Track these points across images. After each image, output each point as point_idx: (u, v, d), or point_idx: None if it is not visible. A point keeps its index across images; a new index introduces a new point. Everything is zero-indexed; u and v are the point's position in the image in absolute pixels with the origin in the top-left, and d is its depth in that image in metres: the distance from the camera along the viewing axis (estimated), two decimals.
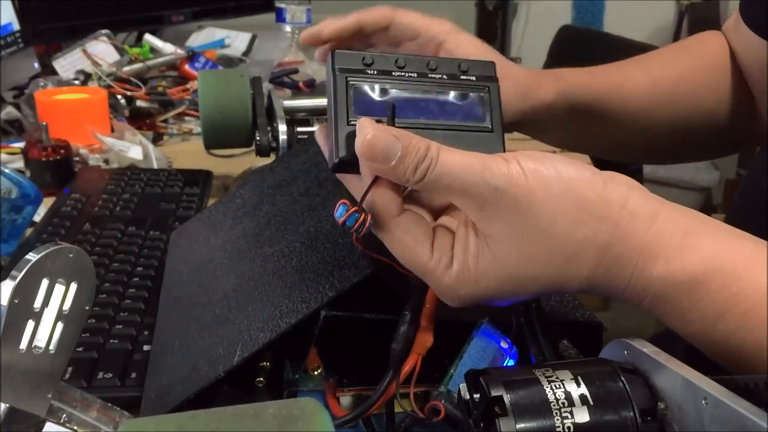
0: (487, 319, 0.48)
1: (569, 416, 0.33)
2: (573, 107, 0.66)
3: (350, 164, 0.41)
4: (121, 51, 1.32)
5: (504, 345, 0.47)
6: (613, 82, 0.69)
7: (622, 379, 0.34)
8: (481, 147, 0.41)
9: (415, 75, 0.44)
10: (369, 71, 0.43)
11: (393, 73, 0.44)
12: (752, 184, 0.74)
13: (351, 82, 0.43)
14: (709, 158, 0.81)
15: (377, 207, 0.40)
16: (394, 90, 0.43)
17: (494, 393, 0.34)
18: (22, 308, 0.38)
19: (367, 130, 0.39)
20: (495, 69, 0.45)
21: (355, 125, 0.41)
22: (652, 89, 0.70)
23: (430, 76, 0.44)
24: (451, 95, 0.44)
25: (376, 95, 0.43)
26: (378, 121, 0.40)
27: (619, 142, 0.72)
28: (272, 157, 0.84)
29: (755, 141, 0.77)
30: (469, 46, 0.61)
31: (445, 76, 0.44)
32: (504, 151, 0.43)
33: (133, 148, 1.02)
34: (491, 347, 0.47)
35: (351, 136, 0.41)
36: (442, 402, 0.45)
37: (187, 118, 1.24)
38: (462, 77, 0.45)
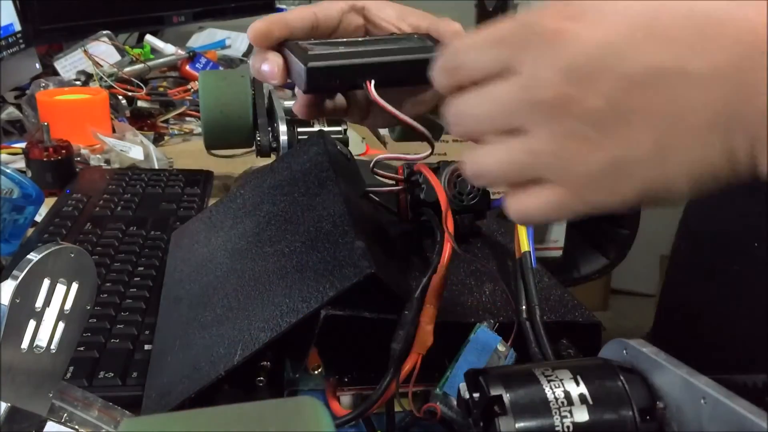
0: (484, 323, 0.49)
1: (568, 415, 0.33)
2: None
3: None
4: (122, 52, 1.32)
5: (501, 347, 0.47)
6: None
7: (621, 378, 0.35)
8: (428, 51, 0.48)
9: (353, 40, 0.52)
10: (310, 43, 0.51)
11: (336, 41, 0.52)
12: None
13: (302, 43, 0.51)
14: None
15: None
16: (337, 41, 0.51)
17: (494, 392, 0.34)
18: (24, 308, 0.38)
19: None
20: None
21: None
22: None
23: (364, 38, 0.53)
24: (386, 37, 0.52)
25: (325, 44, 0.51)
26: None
27: None
28: (273, 158, 0.84)
29: None
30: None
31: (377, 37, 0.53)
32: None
33: (134, 149, 1.02)
34: (487, 350, 0.47)
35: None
36: (438, 404, 0.45)
37: (187, 118, 1.24)
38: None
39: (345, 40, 0.53)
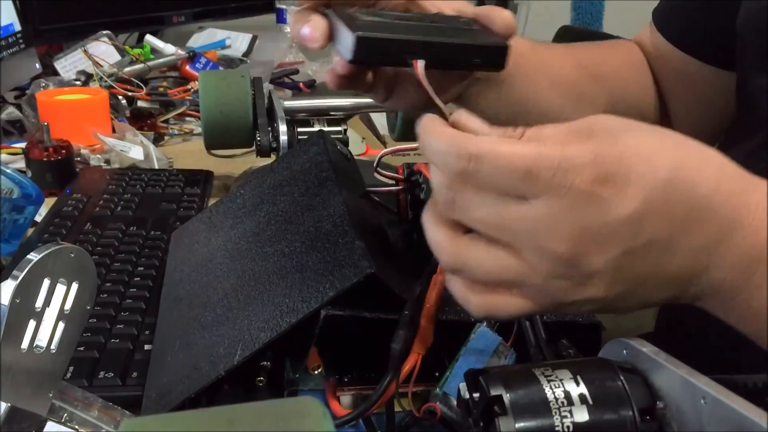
0: (484, 323, 0.49)
1: (568, 415, 0.33)
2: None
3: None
4: (122, 52, 1.32)
5: (501, 348, 0.47)
6: (539, 48, 0.66)
7: (621, 378, 0.34)
8: (478, 38, 0.46)
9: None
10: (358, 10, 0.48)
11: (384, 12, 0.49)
12: None
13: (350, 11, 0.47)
14: None
15: None
16: (386, 13, 0.48)
17: (494, 392, 0.34)
18: (24, 308, 0.38)
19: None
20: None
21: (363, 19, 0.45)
22: (576, 63, 0.68)
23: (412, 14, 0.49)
24: (436, 16, 0.49)
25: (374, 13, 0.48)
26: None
27: (540, 113, 0.66)
28: (273, 158, 0.84)
29: None
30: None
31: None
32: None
33: (134, 149, 1.02)
34: (487, 350, 0.47)
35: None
36: (438, 404, 0.45)
37: (188, 118, 1.24)
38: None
39: (392, 13, 0.50)
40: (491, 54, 0.46)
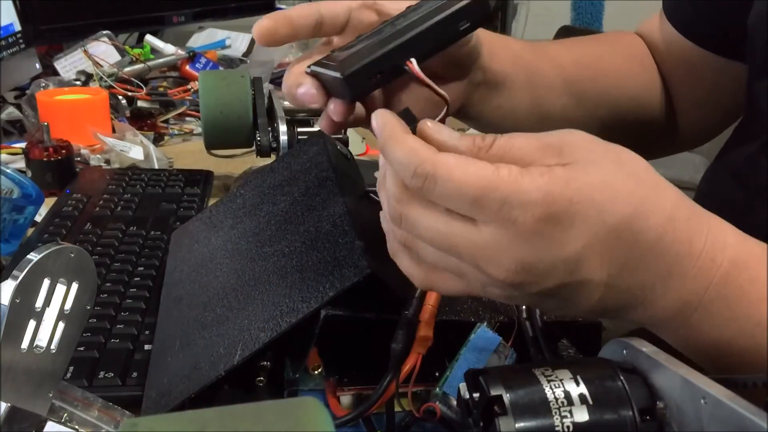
0: (484, 323, 0.49)
1: (568, 415, 0.33)
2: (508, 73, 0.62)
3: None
4: (122, 52, 1.32)
5: (501, 348, 0.48)
6: (538, 48, 0.66)
7: (621, 378, 0.34)
8: (453, 4, 0.43)
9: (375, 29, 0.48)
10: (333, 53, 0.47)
11: (357, 37, 0.48)
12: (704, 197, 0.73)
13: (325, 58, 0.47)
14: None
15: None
16: (360, 38, 0.47)
17: (494, 392, 0.34)
18: (24, 308, 0.38)
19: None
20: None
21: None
22: (575, 62, 0.68)
23: (386, 21, 0.48)
24: (407, 10, 0.47)
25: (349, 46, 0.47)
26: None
27: (543, 115, 0.67)
28: (273, 158, 0.84)
29: (673, 145, 0.77)
30: None
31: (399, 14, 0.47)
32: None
33: (134, 149, 1.02)
34: (487, 350, 0.47)
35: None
36: (438, 404, 0.45)
37: (188, 118, 1.24)
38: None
39: (365, 35, 0.49)
40: (472, 9, 0.44)
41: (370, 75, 0.43)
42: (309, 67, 0.48)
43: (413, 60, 0.43)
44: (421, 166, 0.36)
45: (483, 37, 0.57)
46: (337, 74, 0.43)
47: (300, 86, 0.48)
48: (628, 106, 0.70)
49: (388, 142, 0.38)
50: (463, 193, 0.35)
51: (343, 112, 0.47)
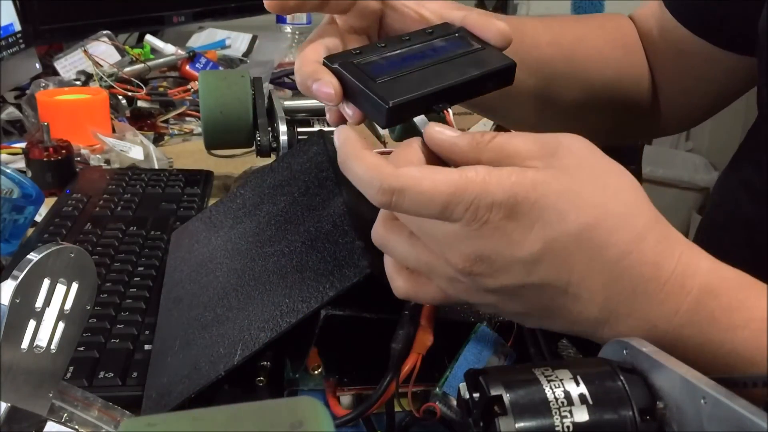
0: (484, 323, 0.49)
1: (568, 415, 0.33)
2: None
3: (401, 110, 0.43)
4: (122, 52, 1.32)
5: (501, 348, 0.48)
6: (514, 25, 0.66)
7: (621, 378, 0.34)
8: (487, 62, 0.46)
9: (395, 45, 0.47)
10: (358, 56, 0.46)
11: (378, 47, 0.47)
12: (716, 207, 0.72)
13: (355, 62, 0.45)
14: (619, 138, 0.80)
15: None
16: (387, 54, 0.46)
17: (494, 392, 0.34)
18: (24, 308, 0.38)
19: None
20: (451, 26, 0.50)
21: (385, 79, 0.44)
22: (551, 42, 0.67)
23: (404, 40, 0.48)
24: (434, 43, 0.48)
25: (378, 59, 0.46)
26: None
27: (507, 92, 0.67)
28: (273, 158, 0.84)
29: (656, 130, 0.77)
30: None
31: (419, 39, 0.48)
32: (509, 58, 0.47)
33: (134, 149, 1.02)
34: (487, 350, 0.47)
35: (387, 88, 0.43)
36: (438, 404, 0.45)
37: (188, 118, 1.24)
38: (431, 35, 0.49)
39: (394, 53, 0.47)
40: (501, 75, 0.46)
41: (412, 111, 0.44)
42: (330, 62, 0.45)
43: (450, 110, 0.45)
44: (386, 182, 0.37)
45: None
46: (381, 103, 0.42)
47: (317, 81, 0.45)
48: (603, 89, 0.70)
49: (348, 159, 0.39)
50: (433, 203, 0.37)
51: (359, 120, 0.46)
